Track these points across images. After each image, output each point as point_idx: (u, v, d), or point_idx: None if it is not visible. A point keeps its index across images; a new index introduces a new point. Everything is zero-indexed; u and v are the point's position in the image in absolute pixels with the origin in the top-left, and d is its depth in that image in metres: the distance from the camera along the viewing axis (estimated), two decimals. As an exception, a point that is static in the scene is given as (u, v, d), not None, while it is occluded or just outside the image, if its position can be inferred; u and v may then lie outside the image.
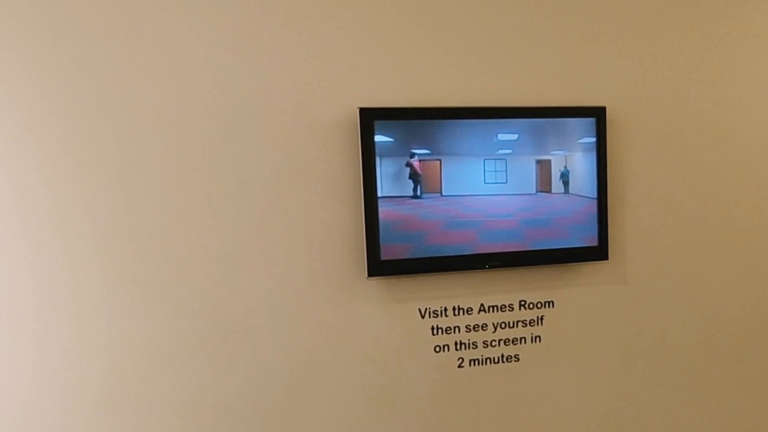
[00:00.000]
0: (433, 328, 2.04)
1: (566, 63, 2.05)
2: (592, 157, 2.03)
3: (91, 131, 1.74)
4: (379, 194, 1.87)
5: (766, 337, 2.35)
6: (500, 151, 1.95)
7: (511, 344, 2.10)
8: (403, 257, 1.90)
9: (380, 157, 1.86)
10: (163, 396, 1.85)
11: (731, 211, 2.25)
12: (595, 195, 2.04)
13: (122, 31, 1.73)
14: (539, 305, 2.12)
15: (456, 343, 2.06)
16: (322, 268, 1.92)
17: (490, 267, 1.97)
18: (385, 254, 1.89)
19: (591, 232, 2.05)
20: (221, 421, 1.90)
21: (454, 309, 2.05)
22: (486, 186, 1.95)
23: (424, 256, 1.92)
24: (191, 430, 1.88)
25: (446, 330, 2.05)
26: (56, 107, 1.71)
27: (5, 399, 1.76)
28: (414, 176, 1.90)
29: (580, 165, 2.02)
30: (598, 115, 2.02)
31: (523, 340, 2.11)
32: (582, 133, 2.01)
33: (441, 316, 2.04)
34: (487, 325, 2.08)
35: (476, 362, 2.08)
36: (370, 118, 1.84)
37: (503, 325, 2.09)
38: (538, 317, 2.12)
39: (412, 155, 1.89)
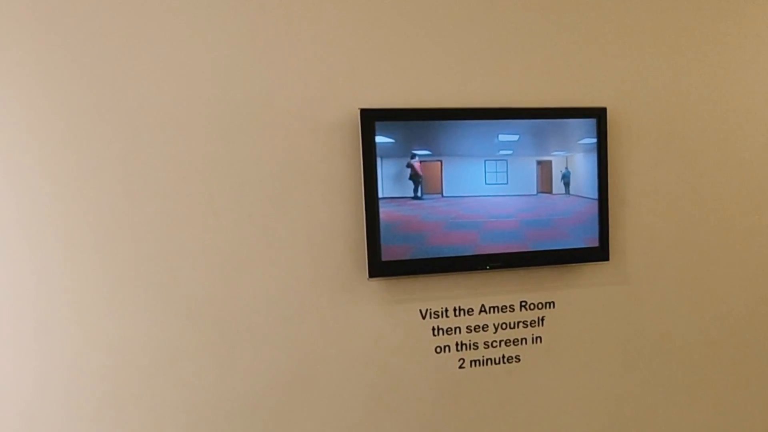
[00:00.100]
0: (434, 329, 2.04)
1: (567, 64, 2.05)
2: (593, 157, 2.03)
3: (92, 132, 1.74)
4: (380, 195, 1.87)
5: (767, 337, 2.34)
6: (501, 152, 1.95)
7: (512, 345, 2.10)
8: (404, 258, 1.91)
9: (381, 158, 1.86)
10: (164, 396, 1.86)
11: (732, 212, 2.25)
12: (596, 196, 2.04)
13: (124, 31, 1.74)
14: (540, 306, 2.12)
15: (457, 344, 2.06)
16: (323, 269, 1.92)
17: (491, 268, 1.97)
18: (386, 255, 1.89)
19: (592, 232, 2.05)
20: (223, 422, 1.90)
21: (455, 310, 2.05)
22: (487, 187, 1.96)
23: (425, 256, 1.92)
24: (193, 430, 1.88)
25: (447, 331, 2.05)
26: (58, 108, 1.72)
27: (7, 400, 1.76)
28: (415, 177, 1.90)
29: (581, 166, 2.02)
30: (598, 115, 2.02)
31: (524, 341, 2.11)
32: (583, 134, 2.02)
33: (442, 316, 2.04)
34: (488, 326, 2.08)
35: (477, 363, 2.08)
36: (371, 119, 1.84)
37: (504, 326, 2.09)
38: (539, 318, 2.12)
39: (413, 156, 1.89)
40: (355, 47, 1.89)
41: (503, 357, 2.10)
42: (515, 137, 1.96)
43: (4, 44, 1.67)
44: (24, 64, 1.69)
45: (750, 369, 2.34)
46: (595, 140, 2.02)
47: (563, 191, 2.02)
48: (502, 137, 1.95)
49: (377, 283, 1.97)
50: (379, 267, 1.89)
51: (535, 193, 2.00)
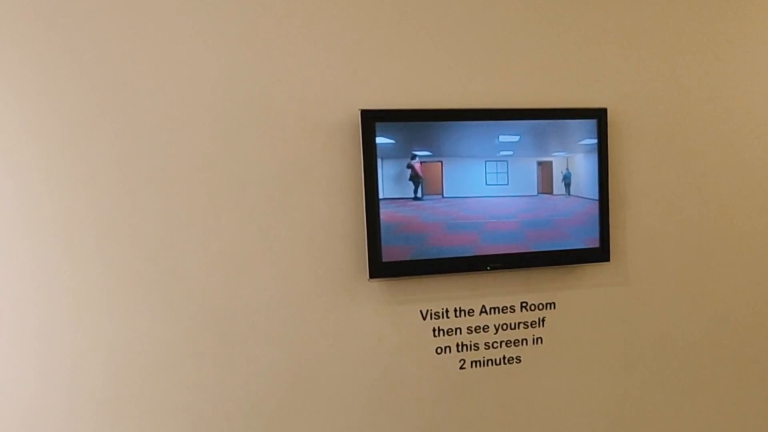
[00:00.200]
0: (434, 330, 2.04)
1: (567, 65, 2.05)
2: (594, 158, 2.03)
3: (93, 132, 1.74)
4: (381, 196, 1.87)
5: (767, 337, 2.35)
6: (501, 153, 1.95)
7: (513, 346, 2.10)
8: (404, 259, 1.91)
9: (381, 158, 1.86)
10: (165, 397, 1.86)
11: (733, 212, 2.25)
12: (596, 196, 2.04)
13: (125, 32, 1.74)
14: (541, 307, 2.11)
15: (457, 345, 2.06)
16: (324, 270, 1.92)
17: (492, 268, 1.97)
18: (387, 256, 1.89)
19: (592, 233, 2.05)
20: (223, 422, 1.91)
21: (455, 310, 2.05)
22: (487, 188, 1.96)
23: (426, 257, 1.92)
24: (193, 431, 1.88)
25: (448, 331, 2.05)
26: (58, 109, 1.72)
27: (8, 401, 1.76)
28: (414, 178, 1.90)
29: (582, 166, 2.02)
30: (599, 116, 2.02)
31: (524, 342, 2.11)
32: (583, 135, 2.02)
33: (442, 317, 2.04)
34: (488, 327, 2.08)
35: (478, 364, 2.08)
36: (372, 120, 1.84)
37: (505, 327, 2.09)
38: (539, 319, 2.12)
39: (413, 157, 1.89)
40: (356, 48, 1.89)
41: (504, 358, 2.10)
42: (516, 138, 1.96)
43: (4, 44, 1.67)
44: (24, 65, 1.69)
45: (750, 369, 2.34)
46: (595, 141, 2.02)
47: (564, 192, 2.02)
48: (503, 138, 1.95)
49: (378, 284, 1.97)
50: (380, 268, 1.89)
51: (535, 193, 2.00)
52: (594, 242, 2.05)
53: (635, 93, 2.12)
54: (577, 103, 2.06)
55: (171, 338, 1.84)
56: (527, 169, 1.98)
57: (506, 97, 2.01)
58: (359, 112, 1.84)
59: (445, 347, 2.05)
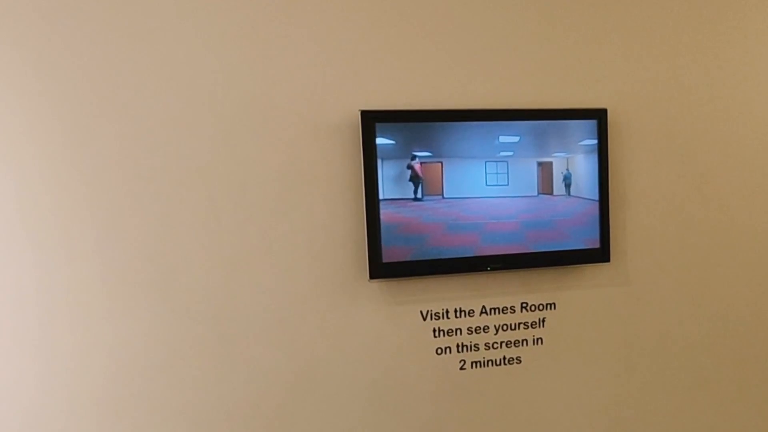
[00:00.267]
0: (434, 330, 2.04)
1: (567, 65, 2.05)
2: (594, 159, 2.03)
3: (93, 133, 1.74)
4: (381, 197, 1.87)
5: (768, 338, 2.35)
6: (501, 154, 1.95)
7: (513, 346, 2.10)
8: (404, 260, 1.91)
9: (382, 159, 1.86)
10: (165, 398, 1.86)
11: (733, 212, 2.25)
12: (596, 197, 2.04)
13: (126, 33, 1.74)
14: (541, 307, 2.11)
15: (458, 346, 2.06)
16: (324, 271, 1.92)
17: (492, 269, 1.97)
18: (387, 257, 1.89)
19: (593, 234, 2.05)
20: (224, 423, 1.91)
21: (455, 311, 2.05)
22: (487, 188, 1.96)
23: (426, 258, 1.92)
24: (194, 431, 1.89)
25: (448, 332, 2.05)
26: (58, 109, 1.72)
27: (9, 402, 1.76)
28: (414, 178, 1.90)
29: (582, 167, 2.02)
30: (599, 117, 2.02)
31: (524, 342, 2.11)
32: (583, 135, 2.01)
33: (443, 318, 2.04)
34: (488, 328, 2.08)
35: (478, 364, 2.08)
36: (372, 121, 1.84)
37: (505, 328, 2.09)
38: (539, 319, 2.12)
39: (414, 158, 1.89)
40: (356, 49, 1.89)
41: (504, 358, 2.10)
42: (516, 138, 1.96)
43: (4, 45, 1.67)
44: (25, 66, 1.69)
45: (751, 370, 2.34)
46: (595, 141, 2.02)
47: (564, 192, 2.02)
48: (503, 138, 1.95)
49: (378, 285, 1.97)
50: (380, 268, 1.89)
51: (535, 194, 2.00)
52: (594, 243, 2.05)
53: (635, 93, 2.12)
54: (577, 104, 2.06)
55: (171, 339, 1.84)
56: (527, 170, 1.98)
57: (506, 98, 2.00)
58: (359, 113, 1.84)
59: (446, 348, 2.05)
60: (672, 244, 2.20)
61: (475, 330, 2.07)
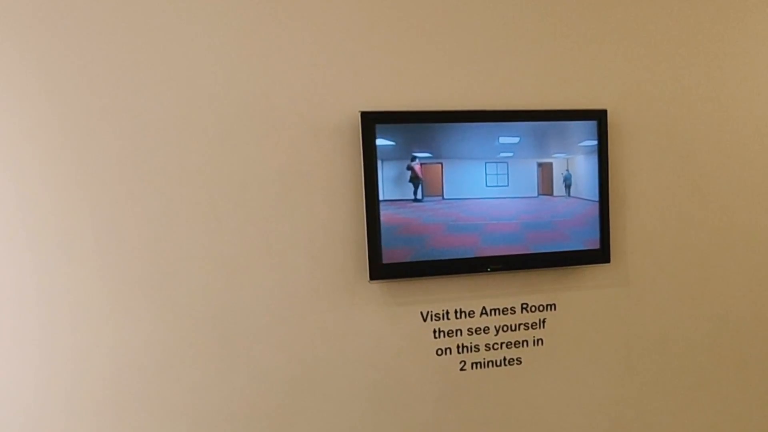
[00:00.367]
0: (435, 331, 2.04)
1: (567, 66, 2.05)
2: (594, 159, 2.03)
3: (93, 135, 1.75)
4: (381, 198, 1.87)
5: (769, 339, 2.35)
6: (502, 155, 1.95)
7: (513, 347, 2.10)
8: (404, 260, 1.91)
9: (382, 160, 1.86)
10: (166, 399, 1.86)
11: (733, 213, 2.25)
12: (596, 198, 2.04)
13: (126, 34, 1.74)
14: (541, 308, 2.11)
15: (458, 346, 2.06)
16: (324, 272, 1.92)
17: (492, 270, 1.97)
18: (387, 258, 1.89)
19: (593, 234, 2.05)
20: (225, 424, 1.91)
21: (456, 312, 2.05)
22: (487, 189, 1.96)
23: (426, 259, 1.92)
24: (194, 433, 1.89)
25: (448, 333, 2.05)
26: (58, 110, 1.72)
27: (9, 403, 1.76)
28: (414, 179, 1.90)
29: (582, 168, 2.02)
30: (599, 118, 2.02)
31: (525, 343, 2.11)
32: (583, 136, 2.02)
33: (443, 319, 2.04)
34: (489, 328, 2.08)
35: (478, 365, 2.08)
36: (372, 122, 1.84)
37: (505, 328, 2.09)
38: (540, 320, 2.12)
39: (414, 158, 1.89)
40: (356, 50, 1.89)
41: (504, 359, 2.10)
42: (516, 139, 1.96)
43: (4, 46, 1.67)
44: (25, 67, 1.69)
45: (751, 371, 2.34)
46: (595, 142, 2.02)
47: (564, 193, 2.02)
48: (503, 139, 1.95)
49: (378, 286, 1.97)
50: (380, 269, 1.89)
51: (535, 195, 2.00)
52: (594, 243, 2.05)
53: (635, 94, 2.12)
54: (577, 105, 2.06)
55: (172, 340, 1.84)
56: (527, 171, 1.98)
57: (506, 99, 2.01)
58: (359, 114, 1.84)
59: (446, 349, 2.05)
60: (672, 245, 2.20)
61: (476, 331, 2.07)
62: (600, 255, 2.06)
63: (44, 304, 1.76)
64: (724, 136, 2.21)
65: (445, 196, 1.93)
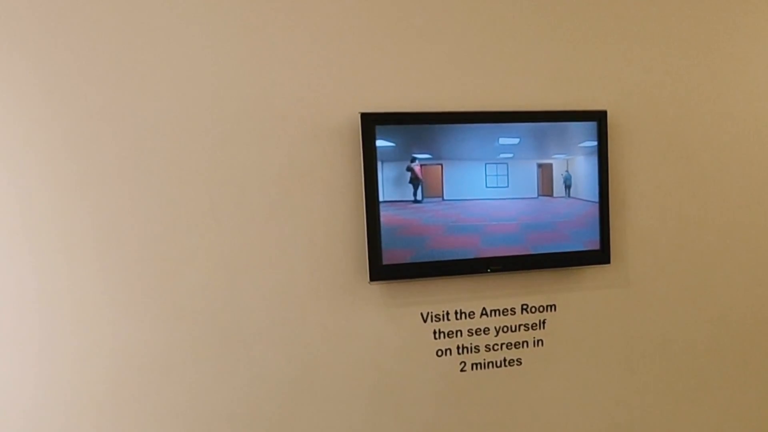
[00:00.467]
0: (435, 332, 2.04)
1: (567, 67, 2.05)
2: (594, 160, 2.03)
3: (93, 136, 1.75)
4: (381, 199, 1.87)
5: (769, 340, 2.35)
6: (501, 156, 1.96)
7: (514, 348, 2.10)
8: (404, 261, 1.91)
9: (382, 161, 1.86)
10: (166, 400, 1.86)
11: (733, 214, 2.25)
12: (596, 198, 2.04)
13: (126, 36, 1.75)
14: (541, 309, 2.12)
15: (458, 347, 2.06)
16: (324, 273, 1.92)
17: (492, 271, 1.98)
18: (387, 259, 1.89)
19: (593, 235, 2.05)
20: (225, 425, 1.91)
21: (456, 313, 2.05)
22: (487, 190, 1.96)
23: (426, 260, 1.92)
24: (194, 434, 1.89)
25: (448, 334, 2.05)
26: (58, 111, 1.72)
27: (9, 404, 1.76)
28: (414, 180, 1.90)
29: (582, 169, 2.03)
30: (599, 118, 2.02)
31: (525, 344, 2.11)
32: (583, 137, 2.02)
33: (443, 320, 2.04)
34: (489, 329, 2.08)
35: (478, 366, 2.08)
36: (372, 123, 1.84)
37: (505, 329, 2.09)
38: (540, 321, 2.12)
39: (413, 160, 1.89)
40: (356, 51, 1.89)
41: (504, 360, 2.10)
42: (516, 140, 1.96)
43: (4, 45, 1.68)
44: (25, 69, 1.69)
45: (752, 372, 2.34)
46: (595, 143, 2.02)
47: (564, 194, 2.02)
48: (503, 140, 1.95)
49: (378, 287, 1.97)
50: (380, 270, 1.89)
51: (535, 196, 2.00)
52: (594, 244, 2.06)
53: (635, 95, 2.12)
54: (577, 106, 2.06)
55: (172, 341, 1.85)
56: (527, 172, 1.98)
57: (506, 100, 2.01)
58: (359, 116, 1.84)
59: (446, 350, 2.05)
60: (672, 246, 2.20)
61: (476, 332, 2.07)
62: (600, 256, 2.06)
63: (45, 305, 1.76)
64: (724, 137, 2.21)
65: (445, 197, 1.93)
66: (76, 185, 1.75)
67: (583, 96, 2.07)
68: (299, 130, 1.87)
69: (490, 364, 2.09)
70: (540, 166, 1.99)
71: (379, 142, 1.86)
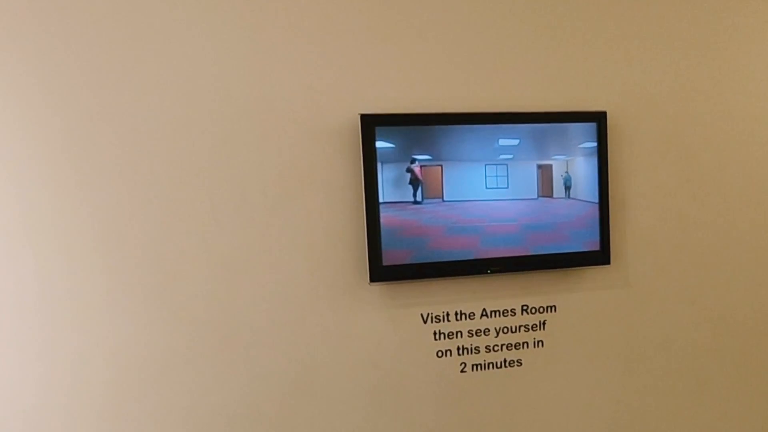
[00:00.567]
0: (435, 333, 2.04)
1: (567, 68, 2.05)
2: (593, 161, 2.03)
3: (93, 137, 1.75)
4: (381, 200, 1.87)
5: (769, 340, 2.35)
6: (501, 157, 1.96)
7: (514, 349, 2.11)
8: (404, 262, 1.91)
9: (381, 162, 1.86)
10: (166, 402, 1.86)
11: (733, 215, 2.25)
12: (596, 199, 2.04)
13: (126, 36, 1.75)
14: (541, 310, 2.12)
15: (458, 348, 2.06)
16: (324, 274, 1.92)
17: (492, 272, 1.98)
18: (387, 260, 1.89)
19: (593, 236, 2.05)
20: (225, 426, 1.91)
21: (456, 314, 2.05)
22: (487, 191, 1.96)
23: (426, 261, 1.92)
24: (194, 435, 1.89)
25: (448, 335, 2.05)
26: (58, 112, 1.73)
27: (9, 406, 1.76)
28: (414, 181, 1.90)
29: (582, 169, 2.03)
30: (598, 119, 2.02)
31: (525, 345, 2.11)
32: (583, 138, 2.02)
33: (443, 321, 2.04)
34: (489, 330, 2.08)
35: (479, 367, 2.08)
36: (371, 124, 1.84)
37: (505, 330, 2.09)
38: (540, 322, 2.12)
39: (413, 161, 1.89)
40: (356, 53, 1.89)
41: (505, 361, 2.10)
42: (516, 141, 1.96)
43: (4, 45, 1.68)
44: (25, 67, 1.69)
45: (752, 372, 2.34)
46: (595, 144, 2.02)
47: (564, 195, 2.02)
48: (503, 141, 1.95)
49: (378, 288, 1.97)
50: (380, 271, 1.89)
51: (535, 197, 2.00)
52: (594, 245, 2.06)
53: (635, 96, 2.12)
54: (577, 107, 2.06)
55: (172, 342, 1.85)
56: (527, 173, 1.98)
57: (506, 101, 2.01)
58: (359, 117, 1.84)
59: (446, 350, 2.05)
60: (672, 246, 2.20)
61: (476, 333, 2.07)
62: (600, 256, 2.06)
63: (45, 306, 1.76)
64: (723, 137, 2.21)
65: (445, 198, 1.93)
66: (75, 186, 1.75)
67: (583, 97, 2.07)
68: (299, 131, 1.87)
69: (491, 365, 2.09)
70: (540, 167, 1.99)
71: (379, 143, 1.86)
